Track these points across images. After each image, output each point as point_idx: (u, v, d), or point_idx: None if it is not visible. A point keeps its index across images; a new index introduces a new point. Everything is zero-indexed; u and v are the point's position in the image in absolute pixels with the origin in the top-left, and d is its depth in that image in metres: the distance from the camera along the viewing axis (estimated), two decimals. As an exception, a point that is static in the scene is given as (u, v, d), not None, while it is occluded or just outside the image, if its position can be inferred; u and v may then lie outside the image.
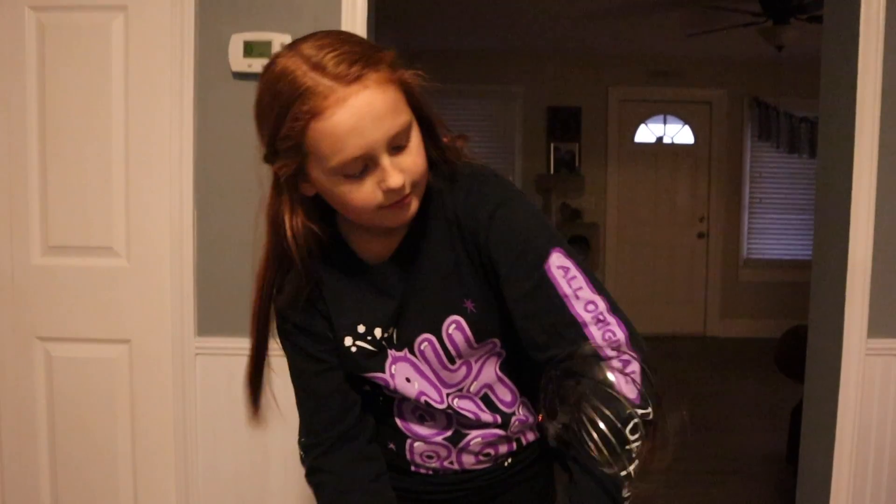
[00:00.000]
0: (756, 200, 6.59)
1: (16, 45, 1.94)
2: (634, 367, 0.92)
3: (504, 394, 1.12)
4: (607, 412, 0.88)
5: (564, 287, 0.94)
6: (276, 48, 1.87)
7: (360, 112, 0.86)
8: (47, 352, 2.01)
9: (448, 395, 1.08)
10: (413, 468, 1.15)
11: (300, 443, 1.17)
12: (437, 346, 1.04)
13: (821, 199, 2.17)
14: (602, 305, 0.96)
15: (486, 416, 1.10)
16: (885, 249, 1.97)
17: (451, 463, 1.13)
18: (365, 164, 0.89)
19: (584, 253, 6.07)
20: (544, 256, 0.95)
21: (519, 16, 5.06)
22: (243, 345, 1.95)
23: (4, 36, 1.94)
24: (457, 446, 1.11)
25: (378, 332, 1.05)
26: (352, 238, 1.05)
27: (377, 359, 1.06)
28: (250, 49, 1.88)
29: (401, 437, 1.13)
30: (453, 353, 1.05)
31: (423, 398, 1.07)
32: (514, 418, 1.12)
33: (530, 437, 1.16)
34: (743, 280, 6.58)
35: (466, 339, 1.04)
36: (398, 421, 1.12)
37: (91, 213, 1.97)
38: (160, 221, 1.95)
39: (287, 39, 1.87)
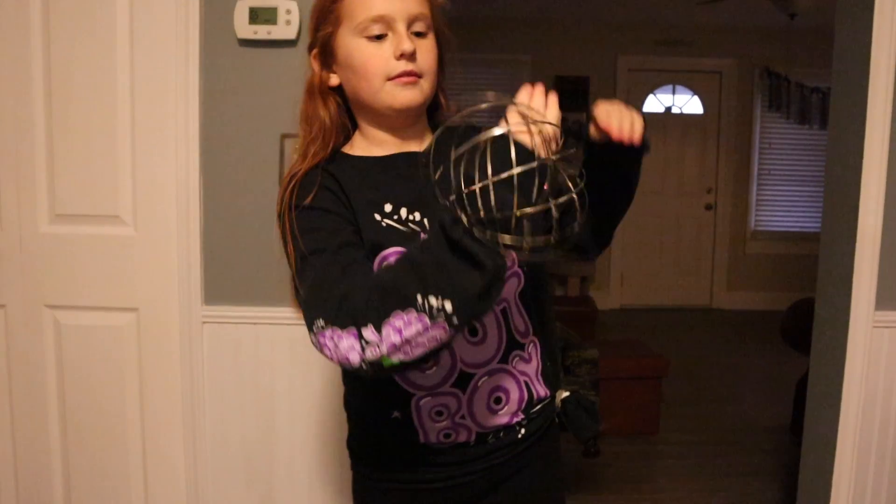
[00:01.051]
0: (765, 172, 6.54)
1: (20, 13, 1.92)
2: None
3: (518, 320, 1.13)
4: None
5: None
6: (281, 15, 1.85)
7: None
8: (56, 320, 2.02)
9: None
10: (423, 436, 1.11)
11: (316, 323, 0.97)
12: None
13: (831, 169, 2.15)
14: None
15: (493, 338, 1.09)
16: (894, 221, 1.96)
17: (464, 418, 1.10)
18: (385, 30, 1.04)
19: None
20: None
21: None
22: (250, 313, 1.98)
23: (9, 5, 1.92)
24: (465, 391, 1.09)
25: (404, 211, 1.07)
26: (368, 135, 1.13)
27: (407, 239, 1.04)
28: (255, 15, 1.86)
29: (405, 398, 1.10)
30: None
31: None
32: (518, 352, 1.12)
33: (540, 391, 1.16)
34: (750, 252, 6.57)
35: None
36: (399, 380, 1.10)
37: (98, 182, 1.96)
38: (167, 190, 1.95)
39: (293, 6, 1.85)
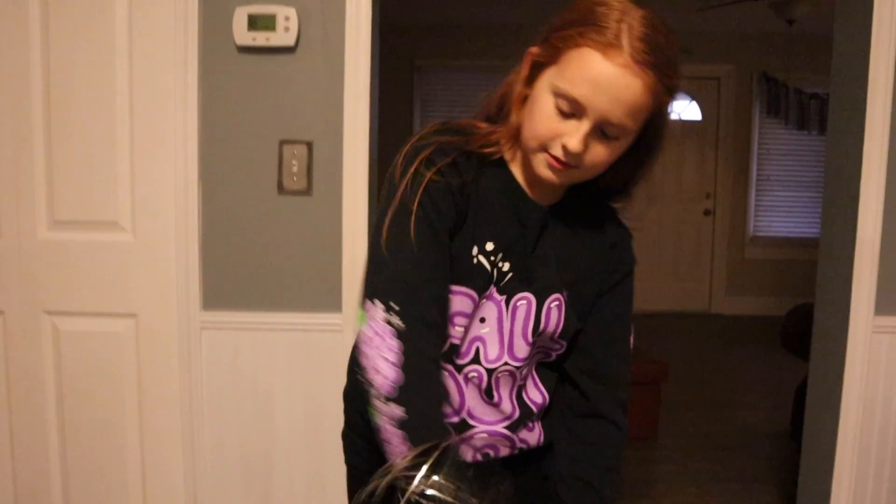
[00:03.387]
0: (764, 177, 6.55)
1: (19, 20, 1.92)
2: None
3: (535, 394, 1.14)
4: None
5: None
6: (280, 22, 1.85)
7: (612, 81, 0.90)
8: (55, 326, 2.01)
9: (505, 364, 1.07)
10: None
11: (389, 307, 0.95)
12: (534, 310, 1.05)
13: (830, 175, 2.15)
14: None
15: (507, 406, 1.10)
16: (893, 226, 1.96)
17: None
18: (574, 111, 0.93)
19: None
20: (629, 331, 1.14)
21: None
22: (249, 319, 1.98)
23: (8, 9, 1.92)
24: (460, 433, 1.10)
25: (500, 256, 1.02)
26: (520, 170, 1.06)
27: (484, 282, 1.02)
28: (254, 22, 1.86)
29: None
30: (543, 325, 1.05)
31: (476, 344, 1.05)
32: (528, 422, 1.13)
33: (531, 440, 1.16)
34: (749, 257, 6.57)
35: (558, 321, 1.06)
36: None
37: (96, 188, 1.96)
38: (165, 196, 1.95)
39: (291, 13, 1.85)
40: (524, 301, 1.04)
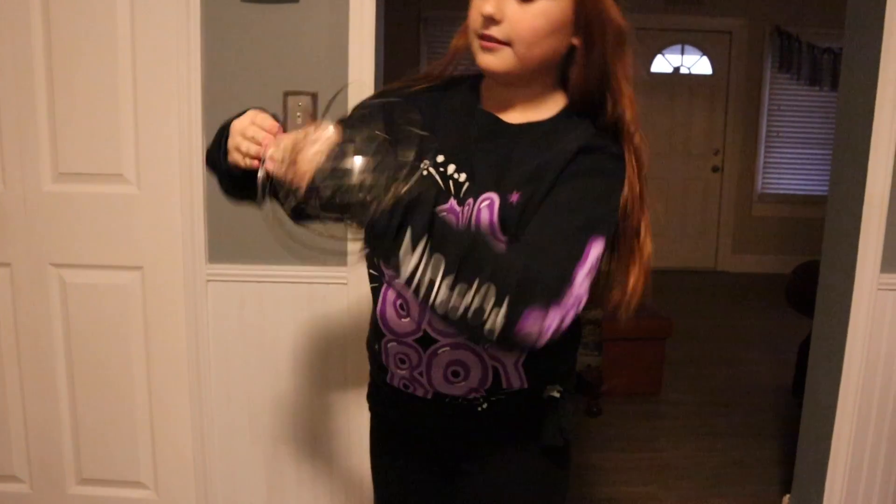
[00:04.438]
0: (773, 134, 6.47)
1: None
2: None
3: None
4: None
5: (589, 260, 0.92)
6: (284, -31, 1.82)
7: None
8: (61, 278, 2.03)
9: None
10: (388, 377, 1.17)
11: None
12: (497, 210, 1.01)
13: (840, 131, 2.12)
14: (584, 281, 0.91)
15: None
16: (903, 183, 1.94)
17: (421, 374, 1.11)
18: None
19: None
20: (593, 228, 0.94)
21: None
22: (254, 272, 1.99)
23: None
24: (426, 351, 1.09)
25: (452, 168, 1.06)
26: (484, 90, 1.10)
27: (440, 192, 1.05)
28: (258, -30, 1.83)
29: (380, 335, 1.14)
30: (509, 223, 1.01)
31: None
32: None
33: (514, 382, 1.11)
34: (756, 215, 6.53)
35: (490, 223, 1.01)
36: (379, 315, 1.13)
37: (100, 140, 1.95)
38: (170, 148, 1.94)
39: (295, -40, 1.82)
40: (488, 200, 1.03)
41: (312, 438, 2.06)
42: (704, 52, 6.36)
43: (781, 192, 6.52)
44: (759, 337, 4.60)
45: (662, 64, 6.39)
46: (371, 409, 1.29)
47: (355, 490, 2.07)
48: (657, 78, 6.38)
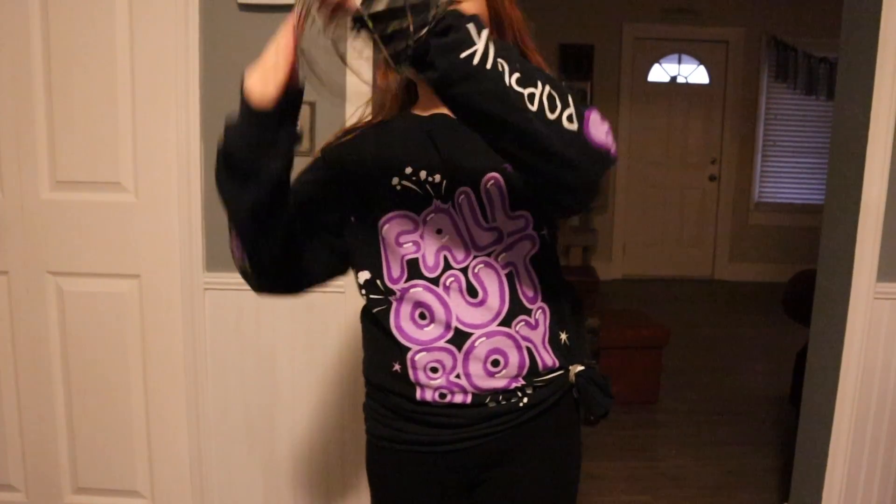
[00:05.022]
0: (770, 143, 6.50)
1: (18, -26, 1.90)
2: None
3: (528, 284, 1.12)
4: None
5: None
6: (282, -23, 1.82)
7: None
8: (59, 286, 2.02)
9: (475, 257, 1.09)
10: (420, 393, 1.12)
11: None
12: (474, 199, 1.08)
13: (836, 140, 2.13)
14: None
15: (495, 300, 1.09)
16: (898, 193, 1.95)
17: (459, 377, 1.10)
18: None
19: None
20: None
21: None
22: (252, 280, 1.97)
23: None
24: (461, 349, 1.09)
25: (423, 174, 1.09)
26: (422, 98, 1.16)
27: (420, 202, 1.09)
28: (256, -21, 1.83)
29: (402, 351, 1.11)
30: (488, 209, 1.08)
31: (443, 253, 1.09)
32: (524, 317, 1.10)
33: (547, 360, 1.13)
34: (753, 223, 6.55)
35: (502, 198, 1.08)
36: (396, 331, 1.11)
37: (98, 148, 1.96)
38: (167, 156, 1.94)
39: (294, -31, 1.83)
40: (463, 194, 1.09)
41: (309, 449, 2.06)
42: (701, 61, 6.39)
43: (778, 200, 6.54)
44: (756, 346, 4.60)
45: (660, 73, 6.42)
46: (380, 438, 1.21)
47: (352, 500, 2.06)
48: (654, 87, 6.41)
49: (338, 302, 1.96)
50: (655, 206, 6.51)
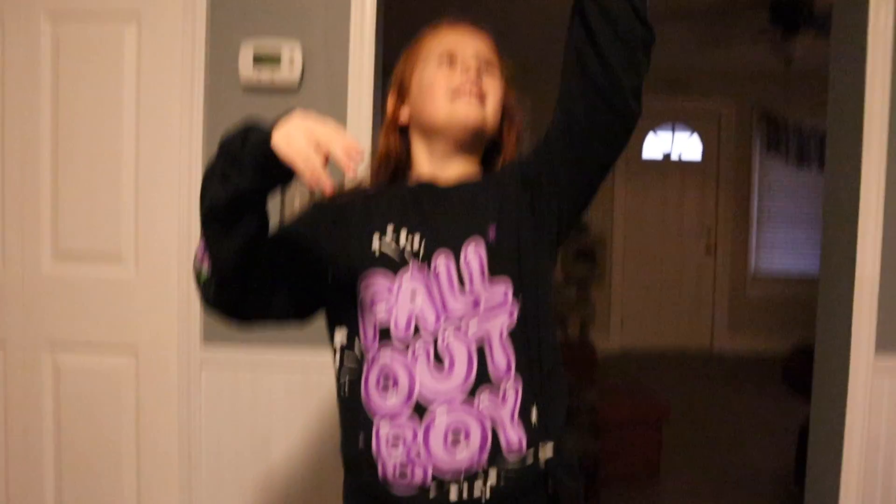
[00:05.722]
0: (765, 214, 6.56)
1: (31, 52, 1.97)
2: None
3: (500, 358, 1.09)
4: None
5: None
6: (285, 55, 1.89)
7: (462, 28, 1.21)
8: (55, 359, 2.01)
9: (445, 324, 1.08)
10: (381, 469, 1.08)
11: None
12: (453, 265, 1.10)
13: (828, 213, 2.16)
14: None
15: (461, 371, 1.07)
16: (892, 264, 1.96)
17: (419, 455, 1.06)
18: (451, 55, 1.17)
19: (591, 267, 6.06)
20: None
21: (528, 25, 5.08)
22: (248, 357, 1.98)
23: (20, 43, 1.97)
24: (422, 421, 1.06)
25: (403, 233, 1.11)
26: (418, 162, 1.21)
27: (397, 263, 1.11)
28: (260, 59, 1.89)
29: (367, 423, 1.09)
30: (466, 277, 1.09)
31: (415, 317, 1.09)
32: (488, 388, 1.07)
33: (512, 437, 1.08)
34: (751, 295, 6.55)
35: (481, 266, 1.09)
36: (363, 399, 1.10)
37: (101, 222, 1.98)
38: (169, 231, 1.96)
39: (297, 48, 1.89)
40: (442, 258, 1.10)
41: (304, 526, 2.01)
42: (694, 131, 6.51)
43: (775, 271, 6.56)
44: (757, 419, 4.54)
45: (654, 144, 6.53)
46: None
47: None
48: (648, 164, 6.51)
49: (333, 379, 1.94)
50: (653, 278, 6.52)
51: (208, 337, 1.97)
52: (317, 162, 0.93)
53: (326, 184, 0.93)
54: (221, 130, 1.91)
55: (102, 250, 1.99)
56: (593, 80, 1.06)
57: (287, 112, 0.99)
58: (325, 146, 0.94)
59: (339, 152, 0.93)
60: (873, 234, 1.95)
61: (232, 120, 1.93)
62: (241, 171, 0.97)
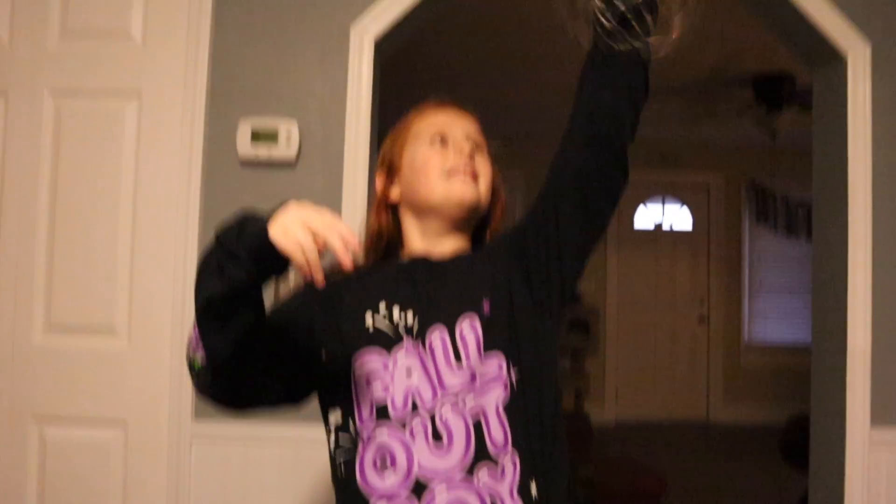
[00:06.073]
0: (756, 283, 6.60)
1: (34, 126, 2.00)
2: None
3: (497, 432, 1.08)
4: None
5: None
6: (282, 134, 1.93)
7: (451, 109, 1.25)
8: (41, 432, 1.98)
9: (442, 400, 1.08)
10: None
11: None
12: (448, 340, 1.09)
13: (818, 284, 2.18)
14: None
15: (460, 447, 1.06)
16: (884, 336, 1.97)
17: None
18: (443, 136, 1.20)
19: (585, 338, 6.05)
20: None
21: (519, 102, 5.20)
22: (239, 432, 1.96)
23: (24, 117, 2.00)
24: (421, 499, 1.05)
25: (396, 310, 1.12)
26: (410, 241, 1.23)
27: (390, 340, 1.11)
28: (257, 135, 1.93)
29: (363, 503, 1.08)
30: (462, 352, 1.09)
31: (412, 394, 1.08)
32: (488, 464, 1.06)
33: (502, 491, 1.06)
34: (745, 364, 6.53)
35: (477, 340, 1.09)
36: (359, 480, 1.08)
37: (95, 294, 1.98)
38: (163, 304, 1.96)
39: (293, 126, 1.93)
40: (437, 334, 1.10)
41: None
42: (684, 203, 6.60)
43: (769, 341, 6.56)
44: (755, 493, 4.46)
45: (645, 215, 6.62)
46: None
47: None
48: (640, 235, 6.58)
49: (326, 456, 1.91)
50: (647, 349, 6.51)
51: (199, 414, 1.94)
52: (314, 254, 0.94)
53: (321, 278, 0.95)
54: (218, 205, 1.95)
55: (95, 323, 1.99)
56: (600, 125, 1.10)
57: (283, 202, 1.00)
58: (321, 237, 0.95)
59: (336, 244, 0.95)
60: (862, 309, 1.96)
61: (229, 194, 1.97)
62: (238, 264, 0.97)
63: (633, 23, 1.02)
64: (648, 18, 1.01)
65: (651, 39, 1.02)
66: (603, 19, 1.01)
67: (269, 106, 1.97)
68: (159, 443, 1.96)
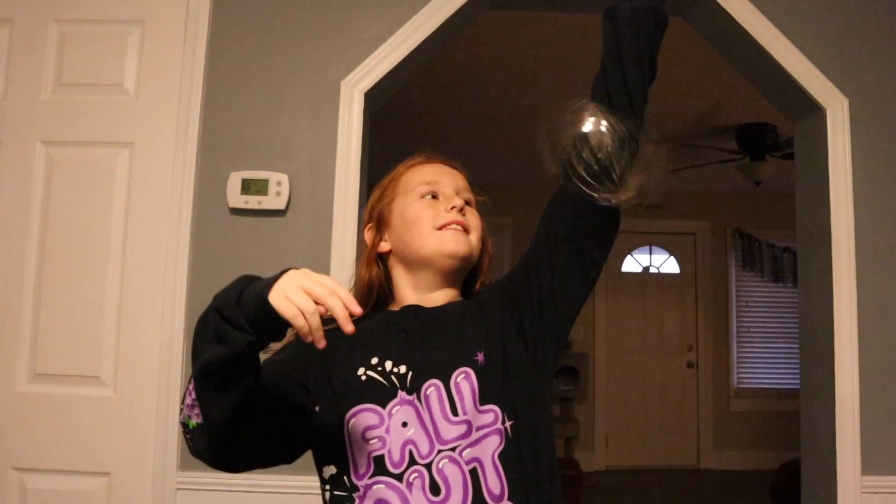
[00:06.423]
0: (744, 329, 6.62)
1: (25, 177, 2.01)
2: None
3: (494, 482, 1.08)
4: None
5: None
6: (272, 186, 1.94)
7: (441, 164, 1.27)
8: (22, 483, 1.95)
9: (439, 451, 1.07)
10: None
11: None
12: (444, 393, 1.09)
13: (804, 333, 2.19)
14: None
15: (457, 498, 1.05)
16: (871, 383, 1.97)
17: None
18: (434, 191, 1.21)
19: (574, 384, 6.03)
20: None
21: (506, 151, 5.27)
22: (225, 481, 1.92)
23: (15, 168, 2.01)
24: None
25: (389, 364, 1.11)
26: (400, 294, 1.23)
27: (384, 394, 1.10)
28: (248, 186, 1.95)
29: None
30: (458, 404, 1.08)
31: (408, 447, 1.07)
32: None
33: None
34: (735, 410, 6.51)
35: (472, 392, 1.09)
36: None
37: (81, 342, 1.97)
38: (150, 353, 1.95)
39: (283, 179, 1.95)
40: (432, 387, 1.10)
41: None
42: (671, 252, 6.66)
43: (758, 386, 6.55)
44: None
45: (632, 264, 6.65)
46: None
47: None
48: (628, 277, 6.61)
49: None
50: (636, 395, 6.48)
51: (184, 465, 1.92)
52: (315, 318, 0.93)
53: (322, 341, 0.94)
54: (208, 254, 1.95)
55: (80, 371, 1.97)
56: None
57: (282, 270, 1.00)
58: (322, 303, 0.95)
59: (338, 310, 0.94)
60: (849, 356, 1.97)
61: (218, 242, 1.98)
62: (238, 330, 0.96)
63: (598, 180, 1.07)
64: (610, 180, 1.07)
65: (610, 196, 1.08)
66: (570, 173, 1.07)
67: (259, 157, 1.99)
68: (143, 492, 1.93)
